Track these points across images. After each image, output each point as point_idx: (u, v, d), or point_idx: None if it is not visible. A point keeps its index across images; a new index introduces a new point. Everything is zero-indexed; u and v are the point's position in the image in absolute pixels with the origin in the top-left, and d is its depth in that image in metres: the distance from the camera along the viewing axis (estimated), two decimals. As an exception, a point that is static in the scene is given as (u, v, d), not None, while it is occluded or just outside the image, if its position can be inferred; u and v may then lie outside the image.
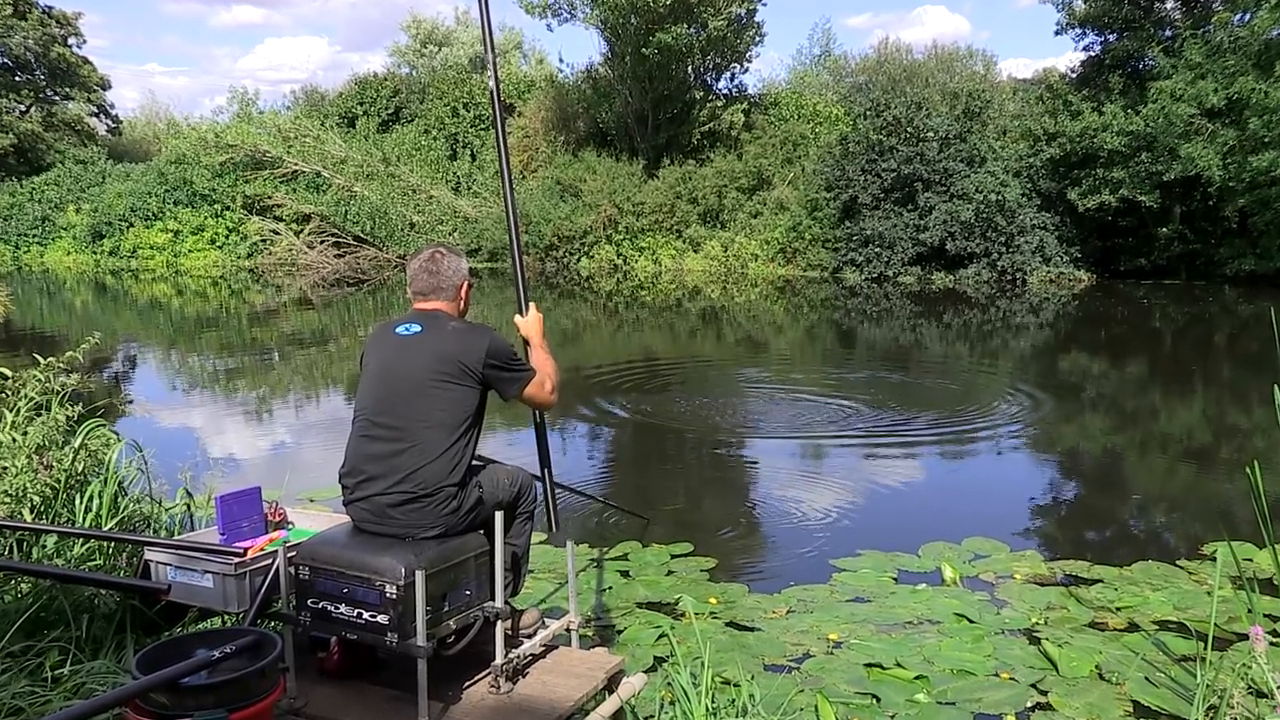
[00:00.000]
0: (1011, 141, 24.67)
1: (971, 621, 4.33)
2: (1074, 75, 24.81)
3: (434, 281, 3.20)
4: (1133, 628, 4.28)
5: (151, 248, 30.34)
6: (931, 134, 23.36)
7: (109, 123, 45.32)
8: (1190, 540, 5.54)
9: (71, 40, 41.74)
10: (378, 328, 3.25)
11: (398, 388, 3.03)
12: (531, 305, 3.47)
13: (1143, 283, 21.70)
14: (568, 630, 3.37)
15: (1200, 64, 20.64)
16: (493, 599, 3.05)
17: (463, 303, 3.25)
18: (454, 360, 3.03)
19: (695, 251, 26.39)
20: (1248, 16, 20.46)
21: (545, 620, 3.41)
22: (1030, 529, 5.88)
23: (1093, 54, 24.36)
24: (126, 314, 19.47)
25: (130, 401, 10.02)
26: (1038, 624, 4.30)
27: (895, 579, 4.89)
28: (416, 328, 3.12)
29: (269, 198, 29.05)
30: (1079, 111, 22.14)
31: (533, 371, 3.22)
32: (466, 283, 3.26)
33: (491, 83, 3.58)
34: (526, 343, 3.43)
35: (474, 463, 3.14)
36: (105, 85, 43.84)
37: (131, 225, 30.90)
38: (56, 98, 41.73)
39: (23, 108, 40.36)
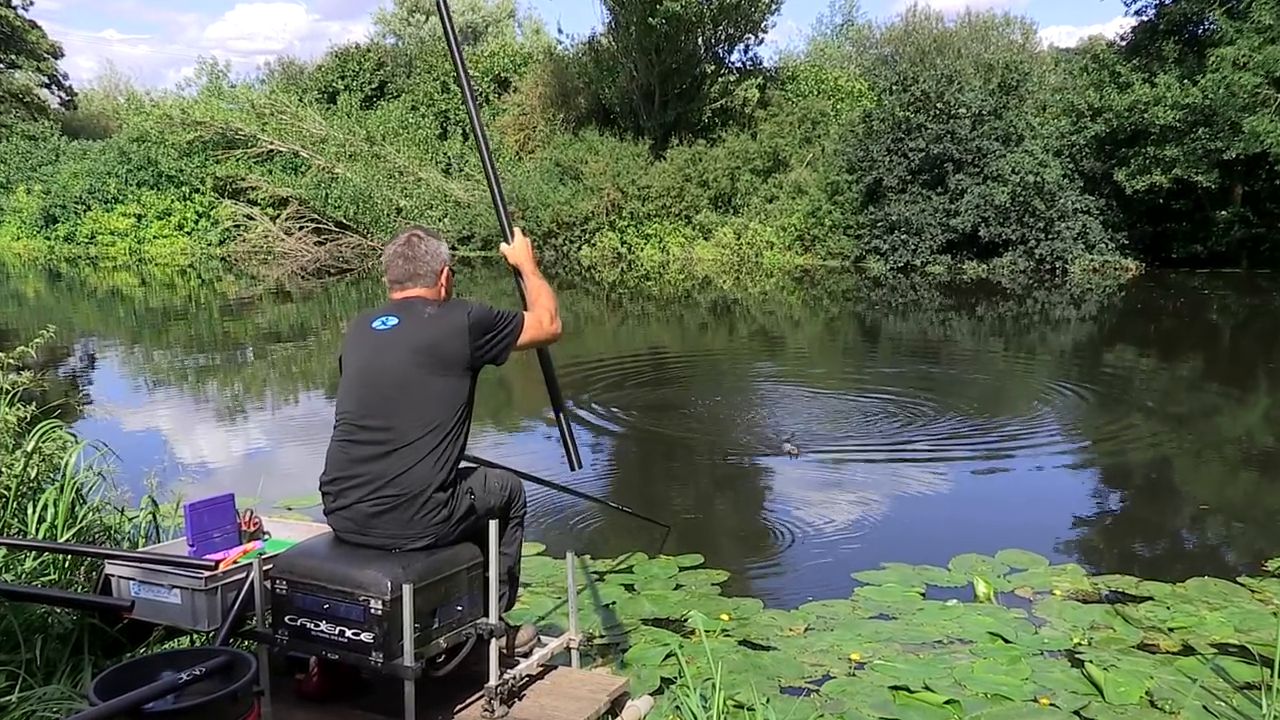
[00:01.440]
0: (1052, 118, 24.61)
1: (1007, 641, 4.32)
2: (1123, 43, 24.61)
3: (411, 268, 3.21)
4: (1187, 651, 4.25)
5: (112, 233, 30.34)
6: (964, 110, 23.31)
7: (62, 95, 45.08)
8: (1253, 555, 5.51)
9: (16, 1, 41.08)
10: (355, 323, 3.26)
11: (378, 386, 3.04)
12: (517, 231, 3.49)
13: (1198, 271, 21.62)
14: (567, 649, 3.37)
15: (1271, 26, 20.33)
16: (486, 615, 3.05)
17: (444, 289, 3.26)
18: (435, 349, 3.04)
19: (705, 239, 26.38)
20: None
21: (542, 638, 3.41)
22: (1071, 541, 5.87)
23: (1145, 18, 24.08)
24: (84, 305, 19.51)
25: (89, 401, 10.04)
26: (1080, 645, 4.29)
27: (923, 594, 4.88)
28: (393, 320, 3.12)
29: (242, 180, 29.09)
30: (1128, 83, 21.98)
31: (521, 316, 3.23)
32: (447, 267, 3.27)
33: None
34: (517, 272, 3.45)
35: (463, 465, 3.14)
36: (57, 53, 43.64)
37: (89, 208, 30.88)
38: (1, 65, 41.20)
39: (-40, 76, 40.11)
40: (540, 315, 3.27)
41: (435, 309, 3.14)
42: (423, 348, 3.04)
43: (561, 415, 3.58)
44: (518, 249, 3.44)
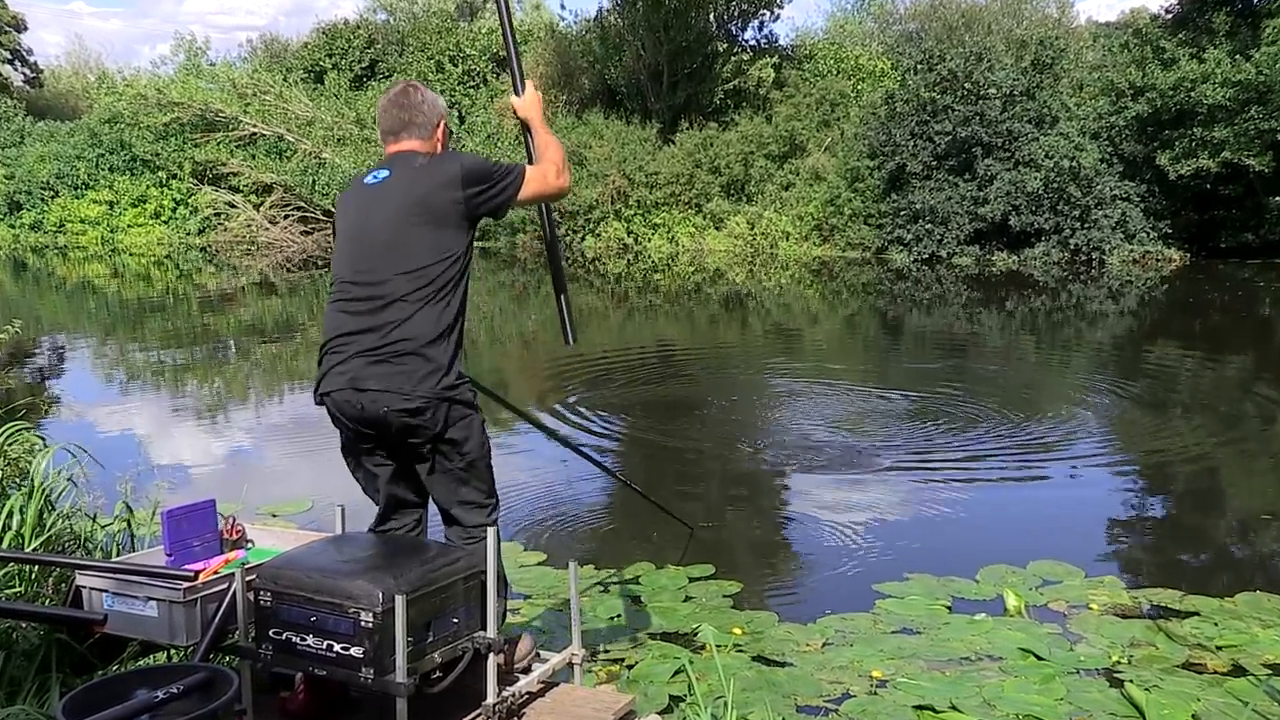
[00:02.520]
0: (1090, 98, 24.51)
1: (1040, 658, 4.31)
2: (1168, 16, 24.33)
3: (405, 116, 3.26)
4: (1238, 671, 4.23)
5: (82, 221, 30.34)
6: (994, 90, 23.26)
7: (26, 72, 45.06)
8: (1307, 567, 5.51)
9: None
10: (349, 185, 3.37)
11: (371, 242, 3.13)
12: (529, 83, 3.55)
13: (1249, 262, 21.50)
14: (570, 665, 3.37)
15: None
16: (484, 628, 3.05)
17: (439, 144, 3.31)
18: (426, 200, 3.10)
19: (717, 229, 26.36)
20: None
21: (543, 653, 3.41)
22: (1109, 551, 5.86)
23: (1193, -12, 23.92)
24: (53, 298, 19.57)
25: (58, 402, 10.06)
26: (1120, 663, 4.28)
27: (949, 607, 4.88)
28: (384, 173, 3.20)
29: (223, 165, 29.09)
30: (1173, 60, 21.76)
31: (523, 168, 3.26)
32: (444, 121, 3.32)
33: None
34: (526, 127, 3.51)
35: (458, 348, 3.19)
36: (20, 25, 43.58)
37: (57, 195, 30.87)
38: (-43, 39, 41.12)
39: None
40: (545, 168, 3.30)
41: (427, 160, 3.20)
42: (414, 199, 3.11)
43: (562, 297, 3.78)
44: (528, 102, 3.51)
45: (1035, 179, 21.89)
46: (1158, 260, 22.05)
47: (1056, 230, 22.32)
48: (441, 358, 3.07)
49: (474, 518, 3.24)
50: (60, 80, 51.34)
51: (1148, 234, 22.26)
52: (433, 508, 3.36)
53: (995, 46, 25.35)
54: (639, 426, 8.79)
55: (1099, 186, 21.94)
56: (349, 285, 3.13)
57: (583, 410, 9.16)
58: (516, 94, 3.55)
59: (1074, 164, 21.75)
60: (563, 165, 3.33)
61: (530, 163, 3.39)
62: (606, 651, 4.38)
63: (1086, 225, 22.12)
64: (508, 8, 3.77)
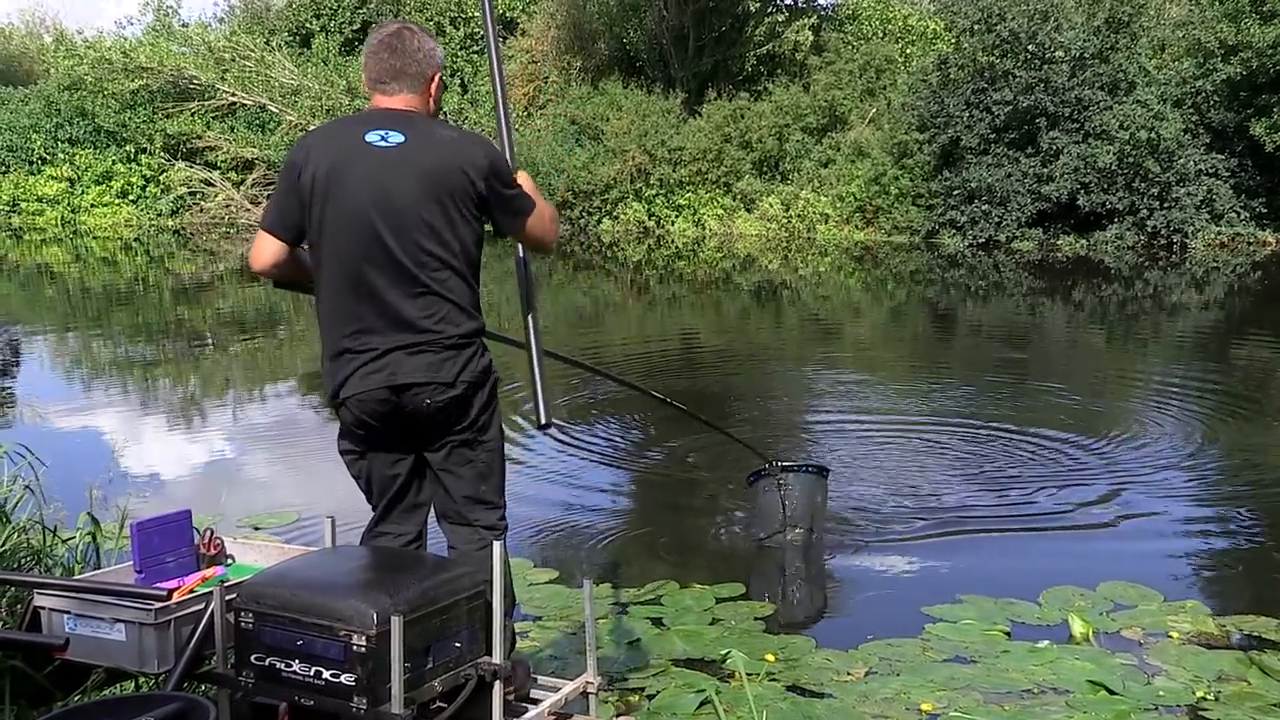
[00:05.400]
0: (1172, 60, 24.34)
1: (1112, 693, 4.29)
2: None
3: (398, 63, 3.21)
4: (1341, 710, 4.21)
5: (39, 200, 30.43)
6: (1061, 53, 23.15)
7: (-27, 33, 45.38)
8: None
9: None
10: (328, 131, 3.34)
11: (396, 217, 3.10)
12: (521, 175, 3.48)
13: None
14: (584, 694, 3.38)
15: None
16: (489, 653, 3.06)
17: (433, 101, 3.30)
18: (449, 178, 3.12)
19: (748, 211, 26.34)
20: None
21: (555, 680, 3.42)
22: (1192, 572, 5.83)
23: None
24: (4, 286, 19.71)
25: (13, 401, 10.14)
26: (1205, 700, 4.25)
27: (1008, 633, 4.86)
28: (397, 136, 3.14)
29: (198, 138, 29.27)
30: (1274, 13, 21.47)
31: (530, 197, 3.32)
32: (439, 75, 3.30)
33: None
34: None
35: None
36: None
37: (9, 170, 30.93)
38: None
39: None
40: (546, 209, 3.39)
41: (450, 131, 3.25)
42: (438, 175, 3.11)
43: (534, 347, 3.51)
44: (522, 178, 3.53)
45: (1108, 153, 21.78)
46: (1249, 244, 21.89)
47: (1131, 210, 22.21)
48: (478, 340, 3.19)
49: (490, 516, 3.33)
50: (12, 41, 51.48)
51: (1238, 214, 22.10)
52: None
53: (1064, 3, 25.13)
54: (666, 428, 8.78)
55: (1181, 161, 21.79)
56: (365, 267, 3.11)
57: (595, 411, 9.17)
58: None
59: (1153, 135, 21.59)
60: (554, 220, 3.45)
61: None
62: (625, 679, 4.38)
63: (1166, 205, 21.99)
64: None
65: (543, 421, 3.48)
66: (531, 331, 3.51)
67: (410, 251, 3.09)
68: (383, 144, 3.13)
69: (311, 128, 28.08)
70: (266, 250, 3.20)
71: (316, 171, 3.13)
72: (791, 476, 5.76)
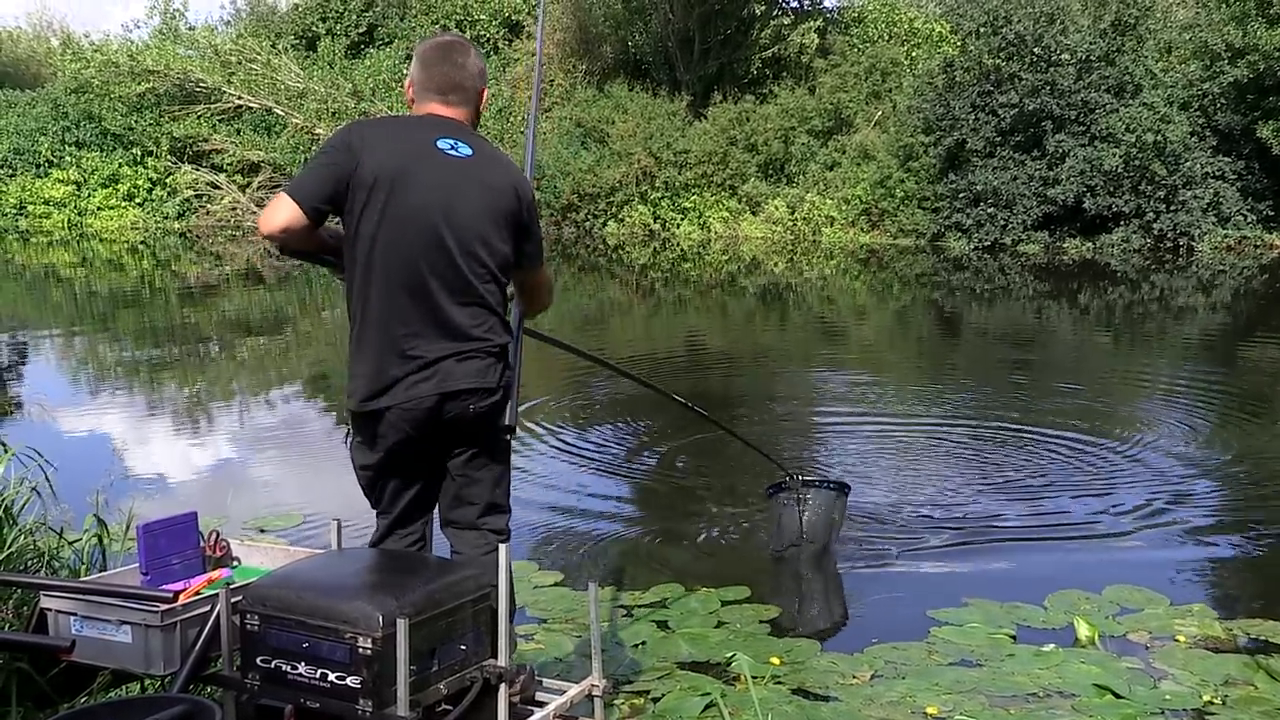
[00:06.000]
0: (1179, 62, 24.30)
1: (1119, 696, 4.28)
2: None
3: (458, 78, 3.26)
4: (1350, 715, 4.20)
5: (46, 203, 30.43)
6: (1067, 56, 23.14)
7: (-20, 35, 45.44)
8: None
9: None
10: (389, 128, 3.36)
11: (459, 224, 3.14)
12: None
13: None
14: (589, 696, 3.38)
15: None
16: (494, 655, 3.06)
17: (478, 117, 3.37)
18: (505, 202, 3.20)
19: (753, 213, 26.34)
20: None
21: (561, 684, 3.42)
22: (1198, 575, 5.81)
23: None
24: (11, 288, 19.75)
25: (20, 403, 10.15)
26: (1212, 704, 4.24)
27: (1013, 637, 4.85)
28: (465, 148, 3.18)
29: (204, 141, 29.31)
30: (1282, 15, 21.55)
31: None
32: (486, 91, 3.39)
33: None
34: None
35: None
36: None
37: (15, 174, 30.95)
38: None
39: None
40: (548, 270, 3.55)
41: (505, 155, 3.33)
42: (497, 192, 3.19)
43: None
44: None
45: (1114, 156, 21.76)
46: (1256, 247, 21.85)
47: (1138, 213, 22.19)
48: (506, 360, 3.26)
49: (501, 522, 3.38)
50: (19, 44, 51.53)
51: (1245, 217, 22.07)
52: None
53: (1070, 5, 25.12)
54: (670, 429, 8.78)
55: (1188, 164, 21.77)
56: (425, 270, 3.12)
57: (598, 414, 9.17)
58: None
59: (1159, 138, 21.57)
60: (551, 289, 3.62)
61: None
62: (630, 682, 4.38)
63: (1173, 208, 21.97)
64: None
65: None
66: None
67: (468, 261, 3.13)
68: (454, 153, 3.16)
69: (317, 130, 28.29)
70: (282, 214, 3.07)
71: (382, 165, 3.10)
72: (812, 492, 5.74)
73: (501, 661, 3.05)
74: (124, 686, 3.57)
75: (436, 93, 3.24)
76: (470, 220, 3.14)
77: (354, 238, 3.13)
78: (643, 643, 4.77)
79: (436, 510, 3.42)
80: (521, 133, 28.43)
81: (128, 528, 4.64)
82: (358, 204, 3.09)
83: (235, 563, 3.76)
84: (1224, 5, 23.52)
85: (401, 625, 2.78)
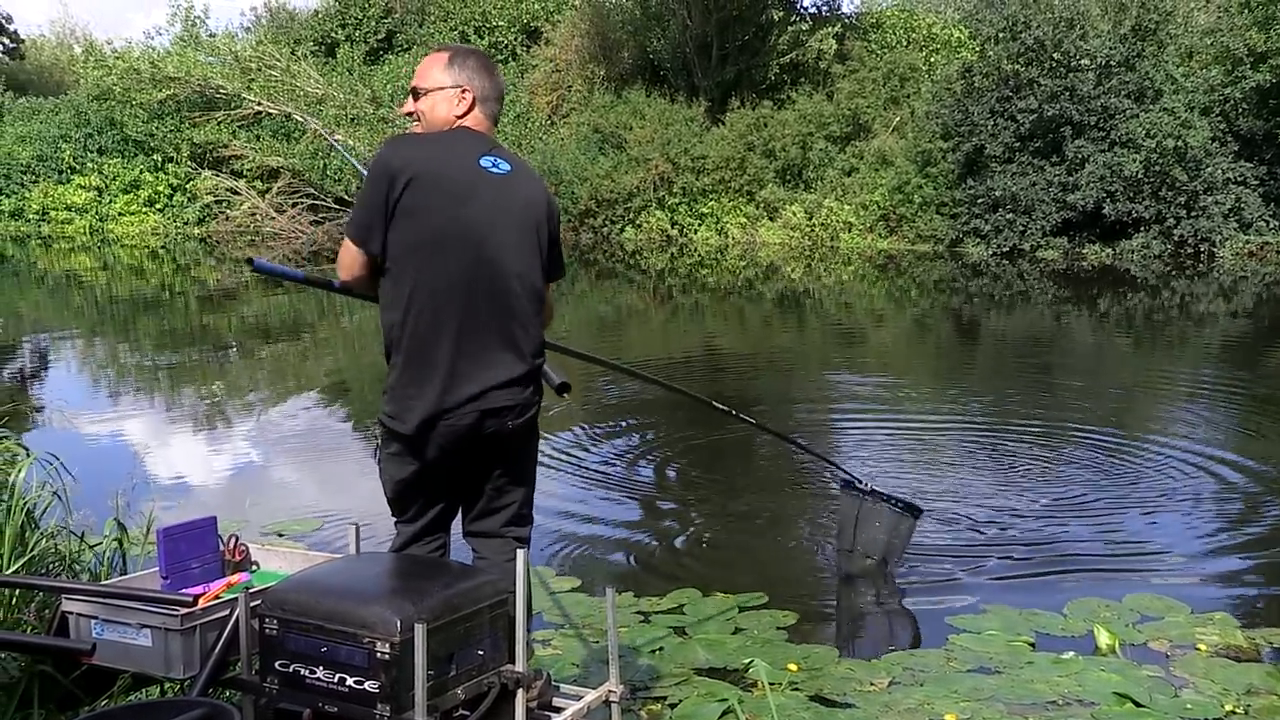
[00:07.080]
0: (1200, 67, 24.20)
1: (1139, 705, 4.26)
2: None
3: (498, 91, 3.33)
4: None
5: (68, 209, 30.68)
6: (1087, 61, 23.07)
7: (5, 42, 45.46)
8: None
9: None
10: (429, 148, 3.20)
11: (501, 241, 3.18)
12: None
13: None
14: (606, 702, 3.38)
15: None
16: (511, 661, 3.07)
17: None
18: (538, 216, 3.26)
19: (771, 219, 26.34)
20: None
21: (577, 689, 3.42)
22: (1220, 584, 5.78)
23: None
24: (34, 293, 19.86)
25: (42, 408, 10.20)
26: (1234, 713, 4.21)
27: (1032, 644, 4.83)
28: (505, 164, 3.22)
29: (224, 147, 29.42)
30: (1305, 19, 21.42)
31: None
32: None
33: None
34: None
35: None
36: (-1, -8, 44.18)
37: (39, 179, 31.20)
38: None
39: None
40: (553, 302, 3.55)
41: (531, 166, 3.39)
42: (532, 208, 3.24)
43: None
44: None
45: (1134, 161, 21.68)
46: (1279, 253, 21.71)
47: (1158, 219, 22.10)
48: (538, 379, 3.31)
49: (525, 530, 3.42)
50: (43, 52, 51.94)
51: (1267, 223, 21.96)
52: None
53: (1089, 10, 25.06)
54: (689, 431, 8.78)
55: (1209, 169, 21.67)
56: (473, 289, 3.15)
57: (617, 417, 9.18)
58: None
59: (1180, 144, 21.49)
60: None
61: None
62: (647, 688, 4.38)
63: (1194, 213, 21.88)
64: None
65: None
66: None
67: (511, 280, 3.18)
68: (495, 171, 3.19)
69: (336, 136, 28.32)
70: (355, 261, 3.19)
71: (426, 187, 3.11)
72: (871, 500, 5.55)
73: (519, 667, 3.05)
74: (144, 690, 3.59)
75: (490, 101, 3.29)
76: (516, 238, 3.19)
77: (400, 257, 3.14)
78: (660, 648, 4.76)
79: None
80: (539, 138, 28.52)
81: (148, 532, 4.67)
82: (404, 226, 3.12)
83: (254, 567, 3.77)
84: (1246, 9, 23.43)
85: (419, 630, 2.78)
